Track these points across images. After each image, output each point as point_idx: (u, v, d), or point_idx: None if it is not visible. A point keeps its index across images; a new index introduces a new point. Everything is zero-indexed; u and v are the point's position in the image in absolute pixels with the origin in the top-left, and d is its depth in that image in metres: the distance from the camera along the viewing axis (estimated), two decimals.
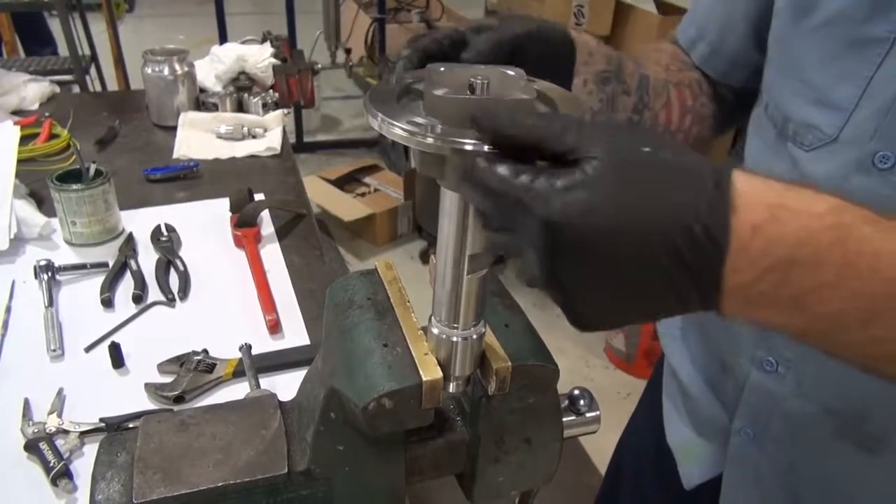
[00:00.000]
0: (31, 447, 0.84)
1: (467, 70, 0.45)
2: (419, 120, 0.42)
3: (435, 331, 0.50)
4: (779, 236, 0.37)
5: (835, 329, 0.40)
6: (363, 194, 3.45)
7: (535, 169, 0.39)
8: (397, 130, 0.41)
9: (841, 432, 0.70)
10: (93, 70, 3.36)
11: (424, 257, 3.15)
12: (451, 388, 0.52)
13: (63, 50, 3.23)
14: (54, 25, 3.56)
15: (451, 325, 0.50)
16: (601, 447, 2.13)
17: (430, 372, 0.49)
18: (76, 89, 3.02)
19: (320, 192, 3.30)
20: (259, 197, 1.41)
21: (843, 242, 0.37)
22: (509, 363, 0.50)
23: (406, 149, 0.43)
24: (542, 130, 0.39)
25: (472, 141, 0.40)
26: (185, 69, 1.75)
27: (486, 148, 0.40)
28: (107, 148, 1.65)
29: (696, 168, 0.38)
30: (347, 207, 3.25)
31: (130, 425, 0.87)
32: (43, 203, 1.35)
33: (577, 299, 0.41)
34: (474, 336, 0.50)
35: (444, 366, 0.50)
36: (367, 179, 3.56)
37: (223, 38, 3.53)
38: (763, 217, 0.37)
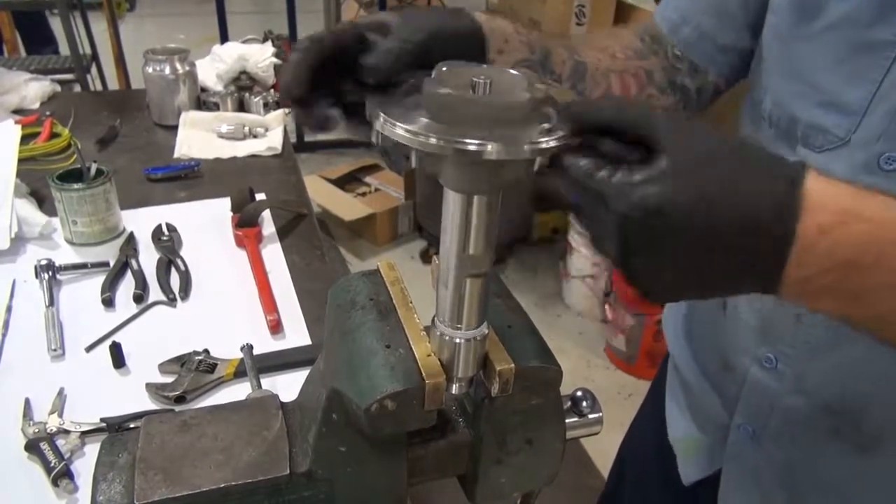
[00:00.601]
0: (32, 447, 0.84)
1: (469, 69, 0.45)
2: (422, 120, 0.42)
3: (438, 332, 0.50)
4: (844, 239, 0.39)
5: (888, 324, 0.42)
6: (364, 194, 3.45)
7: (613, 164, 0.41)
8: (399, 131, 0.41)
9: (838, 431, 0.70)
10: (93, 69, 3.36)
11: (425, 257, 3.15)
12: (454, 389, 0.52)
13: (64, 49, 3.23)
14: (55, 24, 3.56)
15: (454, 326, 0.50)
16: (602, 448, 2.13)
17: (432, 373, 0.49)
18: (77, 88, 3.02)
19: (321, 192, 3.30)
20: (260, 197, 1.41)
21: None
22: (512, 365, 0.50)
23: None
24: (623, 116, 0.42)
25: (475, 141, 0.40)
26: (187, 68, 1.75)
27: (489, 147, 0.40)
28: (108, 147, 1.65)
29: (772, 167, 0.41)
30: (348, 207, 3.25)
31: (131, 425, 0.87)
32: (44, 202, 1.35)
33: (649, 282, 0.44)
34: (477, 337, 0.50)
35: (447, 367, 0.50)
36: (367, 179, 3.56)
37: (224, 38, 3.53)
38: (831, 220, 0.39)
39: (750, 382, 0.75)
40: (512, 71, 0.46)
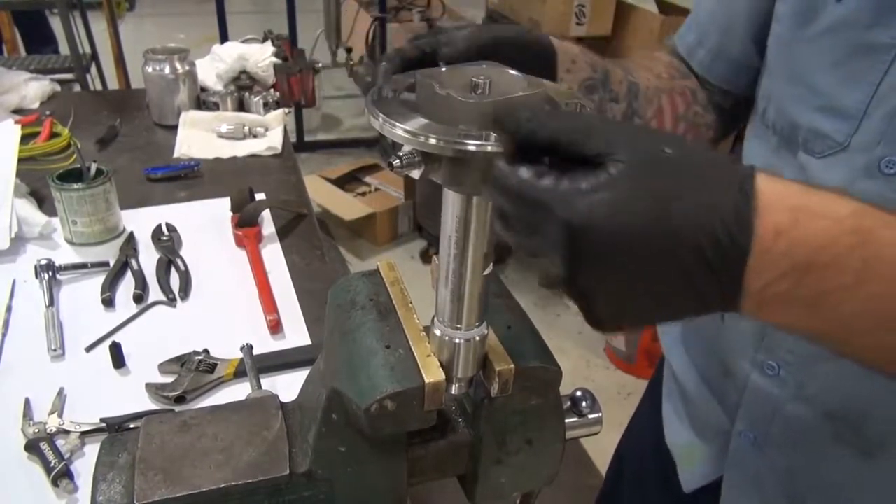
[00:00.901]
0: (32, 447, 0.84)
1: (469, 70, 0.45)
2: (421, 120, 0.42)
3: (437, 332, 0.50)
4: (801, 239, 0.37)
5: (851, 332, 0.40)
6: (364, 193, 3.45)
7: (558, 171, 0.39)
8: (399, 131, 0.41)
9: (840, 437, 0.70)
10: (93, 69, 3.36)
11: (425, 257, 3.15)
12: (454, 389, 0.52)
13: (64, 49, 3.23)
14: (55, 24, 3.56)
15: (454, 326, 0.50)
16: (602, 448, 2.13)
17: (432, 374, 0.49)
18: (77, 88, 3.02)
19: (321, 192, 3.30)
20: (260, 196, 1.41)
21: (864, 246, 0.37)
22: (512, 365, 0.50)
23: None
24: (567, 131, 0.39)
25: (475, 141, 0.40)
26: (186, 68, 1.75)
27: (489, 147, 0.40)
28: (107, 147, 1.65)
29: (721, 169, 0.39)
30: (348, 207, 3.25)
31: (131, 425, 0.87)
32: (44, 202, 1.35)
33: (599, 301, 0.41)
34: (477, 338, 0.50)
35: (447, 367, 0.50)
36: (367, 179, 3.56)
37: (224, 37, 3.53)
38: (786, 220, 0.37)
39: (751, 389, 0.75)
40: (511, 71, 0.46)
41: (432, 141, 0.40)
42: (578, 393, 0.62)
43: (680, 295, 0.39)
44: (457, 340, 0.49)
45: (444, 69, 0.45)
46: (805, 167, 0.65)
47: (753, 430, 0.77)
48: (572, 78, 0.67)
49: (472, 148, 0.40)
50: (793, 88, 0.66)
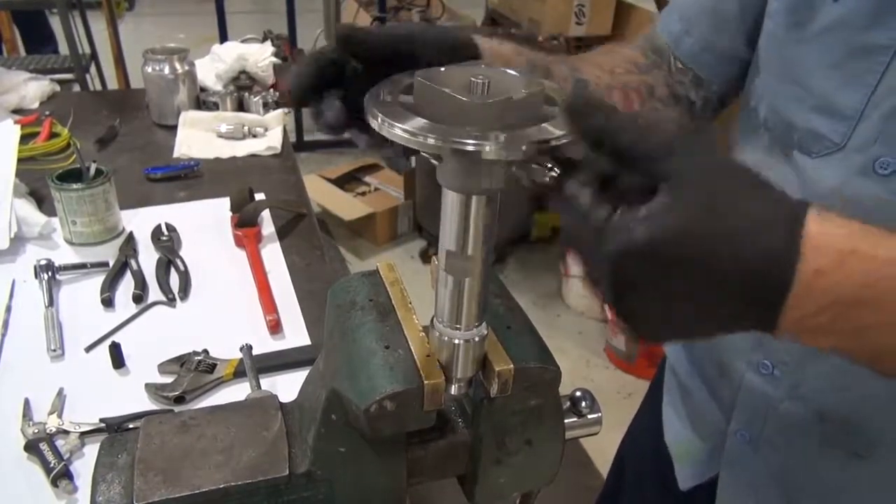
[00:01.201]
0: (32, 447, 0.84)
1: (468, 69, 0.45)
2: (420, 120, 0.42)
3: (437, 332, 0.50)
4: (843, 280, 0.39)
5: (886, 358, 0.42)
6: (363, 193, 3.45)
7: (616, 198, 0.40)
8: (397, 131, 0.41)
9: (833, 437, 0.70)
10: (92, 69, 3.35)
11: (425, 257, 3.15)
12: (453, 390, 0.52)
13: (63, 48, 3.23)
14: (55, 24, 3.56)
15: (453, 326, 0.50)
16: (602, 448, 2.13)
17: (431, 374, 0.49)
18: (76, 88, 3.02)
19: (321, 192, 3.30)
20: (260, 196, 1.41)
21: None
22: (511, 365, 0.50)
23: (406, 148, 0.43)
24: (636, 145, 0.40)
25: (473, 141, 0.40)
26: (186, 68, 1.75)
27: (487, 147, 0.39)
28: (107, 147, 1.65)
29: (772, 208, 0.39)
30: (348, 206, 3.25)
31: (131, 426, 0.86)
32: (43, 202, 1.35)
33: (642, 323, 0.43)
34: (476, 338, 0.50)
35: (446, 368, 0.50)
36: (367, 178, 3.55)
37: (223, 37, 3.53)
38: (830, 263, 0.39)
39: (746, 388, 0.75)
40: (510, 71, 0.46)
41: (430, 141, 0.40)
42: (578, 393, 0.62)
43: (719, 320, 0.42)
44: (456, 341, 0.49)
45: (442, 69, 0.45)
46: (800, 166, 0.65)
47: (748, 429, 0.77)
48: None
49: (470, 148, 0.40)
50: (787, 87, 0.66)
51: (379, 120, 0.42)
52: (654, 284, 0.39)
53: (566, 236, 0.43)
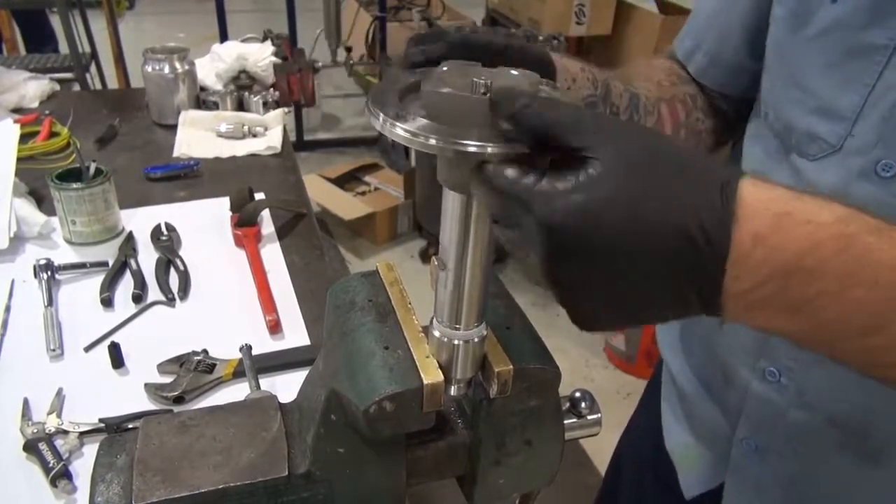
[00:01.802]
0: (31, 447, 0.84)
1: (470, 70, 0.45)
2: (421, 120, 0.41)
3: (437, 333, 0.50)
4: (780, 245, 0.37)
5: (835, 336, 0.40)
6: (363, 193, 3.45)
7: (541, 171, 0.39)
8: (399, 131, 0.41)
9: (844, 444, 0.69)
10: (93, 68, 3.35)
11: (424, 256, 3.15)
12: (453, 390, 0.52)
13: (63, 48, 3.23)
14: (55, 23, 3.56)
15: (452, 326, 0.49)
16: (601, 447, 2.13)
17: (431, 375, 0.49)
18: (76, 87, 3.02)
19: (320, 191, 3.30)
20: (259, 196, 1.41)
21: (846, 251, 0.37)
22: (511, 366, 0.50)
23: (407, 148, 0.43)
24: (553, 123, 0.39)
25: (475, 142, 0.40)
26: (186, 67, 1.75)
27: (490, 149, 0.40)
28: (107, 146, 1.65)
29: (703, 174, 0.38)
30: (348, 206, 3.25)
31: (130, 426, 0.86)
32: (43, 202, 1.35)
33: (578, 299, 0.41)
34: (476, 338, 0.50)
35: (446, 368, 0.50)
36: (367, 178, 3.55)
37: (224, 36, 3.53)
38: (766, 226, 0.37)
39: (752, 396, 0.75)
40: (513, 71, 0.46)
41: (432, 142, 0.40)
42: (577, 394, 0.62)
43: (659, 298, 0.40)
44: (456, 341, 0.49)
45: (444, 68, 0.45)
46: (799, 170, 0.65)
47: (755, 437, 0.76)
48: (574, 95, 0.68)
49: (471, 149, 0.39)
50: (788, 91, 0.66)
51: (381, 119, 0.42)
52: (584, 254, 0.38)
53: (495, 214, 0.42)
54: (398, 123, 0.41)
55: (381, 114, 0.42)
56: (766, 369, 0.72)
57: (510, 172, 0.39)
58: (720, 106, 0.81)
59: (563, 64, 0.66)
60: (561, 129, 0.39)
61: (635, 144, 0.39)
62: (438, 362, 0.50)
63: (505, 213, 0.41)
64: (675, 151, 0.39)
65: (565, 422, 0.59)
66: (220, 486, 0.52)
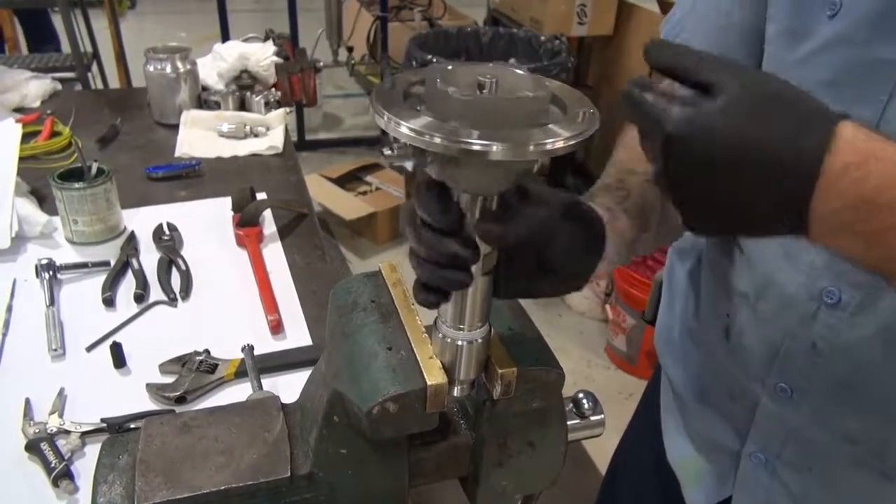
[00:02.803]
0: (33, 447, 0.83)
1: (474, 68, 0.45)
2: (427, 119, 0.41)
3: (440, 334, 0.50)
4: (864, 178, 0.42)
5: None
6: (365, 193, 3.44)
7: (673, 95, 0.45)
8: (403, 129, 0.41)
9: (861, 460, 0.68)
10: (94, 67, 3.35)
11: None
12: (456, 391, 0.51)
13: (65, 47, 3.23)
14: (57, 22, 3.55)
15: (456, 327, 0.49)
16: (602, 447, 2.12)
17: (434, 376, 0.49)
18: (78, 87, 3.01)
19: (322, 191, 3.30)
20: (261, 196, 1.40)
21: None
22: (514, 367, 0.50)
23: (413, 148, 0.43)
24: (681, 62, 0.46)
25: (480, 141, 0.39)
26: (188, 67, 1.75)
27: (494, 148, 0.40)
28: (108, 146, 1.65)
29: (811, 110, 0.44)
30: (349, 206, 3.25)
31: (132, 426, 0.86)
32: (44, 201, 1.34)
33: (692, 204, 0.47)
34: (479, 340, 0.50)
35: (449, 370, 0.50)
36: (368, 178, 3.55)
37: (225, 36, 3.52)
38: (855, 160, 0.42)
39: (762, 412, 0.73)
40: (518, 70, 0.46)
41: (437, 140, 0.40)
42: (580, 394, 0.61)
43: (760, 209, 0.45)
44: (459, 342, 0.49)
45: (450, 67, 0.45)
46: (847, 112, 0.63)
47: (765, 452, 0.75)
48: (613, 250, 0.63)
49: (476, 148, 0.39)
50: None
51: (385, 118, 0.42)
52: (704, 166, 0.44)
53: (633, 110, 0.47)
54: (402, 121, 0.41)
55: (386, 112, 0.42)
56: (778, 385, 0.70)
57: (649, 96, 0.45)
58: None
59: (615, 229, 0.62)
60: (692, 65, 0.46)
61: (755, 80, 0.45)
62: (441, 363, 0.50)
63: (643, 128, 0.47)
64: (789, 89, 0.45)
65: (568, 423, 0.59)
66: (223, 488, 0.52)
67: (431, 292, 0.49)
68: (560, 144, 0.41)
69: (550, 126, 0.42)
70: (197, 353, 0.99)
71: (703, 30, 0.76)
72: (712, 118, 0.43)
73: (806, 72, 0.62)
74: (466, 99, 0.41)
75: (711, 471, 0.83)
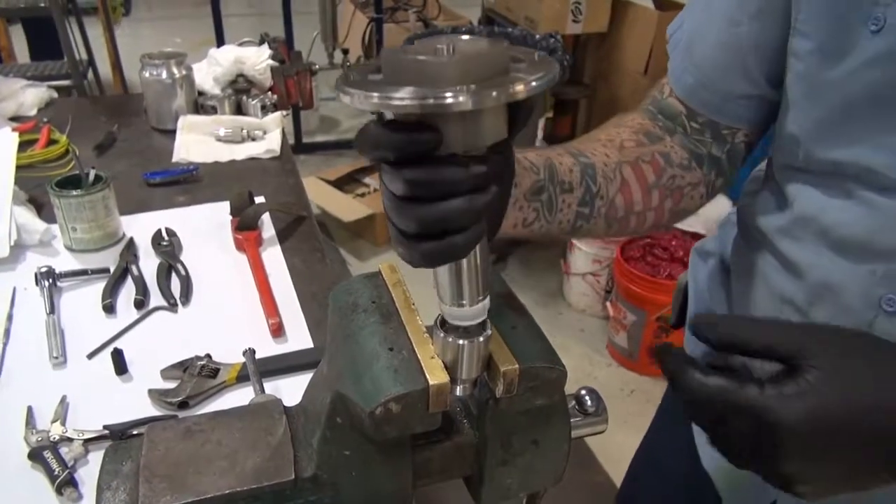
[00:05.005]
0: (36, 456, 0.83)
1: (435, 40, 0.44)
2: (392, 87, 0.41)
3: (441, 334, 0.50)
4: None
5: None
6: (363, 194, 3.45)
7: (757, 379, 0.46)
8: (374, 100, 0.40)
9: None
10: (90, 74, 3.35)
11: None
12: (458, 391, 0.51)
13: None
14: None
15: (458, 304, 0.48)
16: (605, 444, 2.12)
17: (436, 375, 0.49)
18: (74, 94, 3.01)
19: (320, 193, 3.30)
20: (259, 199, 1.40)
21: None
22: (517, 365, 0.50)
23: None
24: (770, 338, 0.47)
25: (447, 93, 0.39)
26: (184, 72, 1.75)
27: (461, 98, 0.39)
28: (106, 153, 1.65)
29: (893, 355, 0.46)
30: (347, 208, 3.25)
31: (135, 432, 0.86)
32: (42, 209, 1.34)
33: (808, 487, 0.48)
34: (481, 338, 0.50)
35: (451, 369, 0.50)
36: (366, 179, 3.55)
37: (220, 41, 3.52)
38: None
39: None
40: (479, 38, 0.45)
41: (406, 101, 0.39)
42: (583, 392, 0.61)
43: (877, 477, 0.47)
44: (461, 342, 0.49)
45: (405, 47, 0.45)
46: (874, 204, 0.61)
47: None
48: (518, 192, 0.64)
49: (448, 101, 0.39)
50: (828, 126, 0.62)
51: (352, 95, 0.41)
52: (817, 450, 0.45)
53: (712, 437, 0.49)
54: (370, 93, 0.40)
55: (350, 89, 0.41)
56: None
57: (726, 382, 0.46)
58: (710, 153, 0.76)
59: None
60: (767, 343, 0.46)
61: (841, 351, 0.46)
62: (443, 363, 0.50)
63: (709, 420, 0.48)
64: (874, 347, 0.47)
65: (572, 420, 0.59)
66: (227, 492, 0.52)
67: (432, 239, 0.45)
68: (533, 83, 0.41)
69: (513, 74, 0.42)
70: (198, 358, 0.99)
71: (712, 41, 0.73)
72: (819, 403, 0.44)
73: (846, 90, 0.60)
74: (429, 62, 0.40)
75: (752, 477, 0.81)
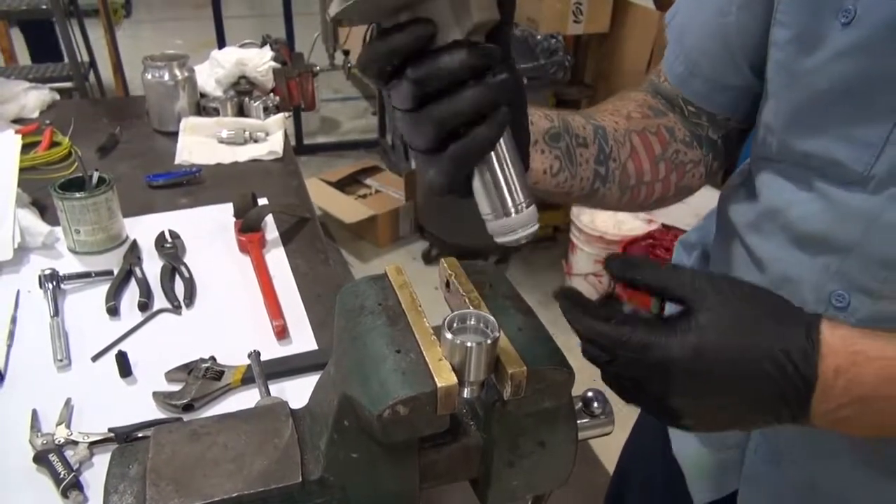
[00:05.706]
0: (41, 459, 0.83)
1: None
2: None
3: (449, 335, 0.50)
4: (857, 378, 0.46)
5: None
6: (364, 196, 3.45)
7: (648, 320, 0.49)
8: None
9: (866, 455, 0.67)
10: (91, 77, 3.35)
11: (427, 258, 3.14)
12: (466, 393, 0.51)
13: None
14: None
15: (508, 212, 0.49)
16: (608, 445, 2.12)
17: (444, 377, 0.48)
18: (76, 96, 3.02)
19: (321, 195, 3.30)
20: (262, 201, 1.40)
21: None
22: (524, 367, 0.50)
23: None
24: (667, 281, 0.50)
25: None
26: (186, 74, 1.75)
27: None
28: (108, 155, 1.65)
29: (791, 318, 0.48)
30: (349, 209, 3.25)
31: (140, 435, 0.86)
32: (45, 212, 1.34)
33: (690, 420, 0.51)
34: (488, 340, 0.49)
35: (459, 371, 0.50)
36: (368, 181, 3.55)
37: (221, 42, 3.53)
38: (845, 362, 0.46)
39: None
40: None
41: None
42: (590, 393, 0.61)
43: (757, 416, 0.50)
44: (469, 344, 0.49)
45: None
46: (830, 197, 0.62)
47: (769, 445, 0.74)
48: (535, 131, 0.64)
49: None
50: (801, 116, 0.63)
51: None
52: (701, 385, 0.48)
53: (602, 363, 0.53)
54: None
55: None
56: None
57: (622, 327, 0.49)
58: (708, 136, 0.77)
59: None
60: (670, 285, 0.50)
61: (732, 297, 0.49)
62: (451, 365, 0.50)
63: (617, 359, 0.51)
64: (766, 302, 0.49)
65: (578, 422, 0.59)
66: (234, 495, 0.52)
67: (456, 139, 0.45)
68: None
69: None
70: (203, 361, 0.99)
71: (702, 31, 0.74)
72: (705, 339, 0.47)
73: (817, 81, 0.60)
74: None
75: (716, 463, 0.83)
